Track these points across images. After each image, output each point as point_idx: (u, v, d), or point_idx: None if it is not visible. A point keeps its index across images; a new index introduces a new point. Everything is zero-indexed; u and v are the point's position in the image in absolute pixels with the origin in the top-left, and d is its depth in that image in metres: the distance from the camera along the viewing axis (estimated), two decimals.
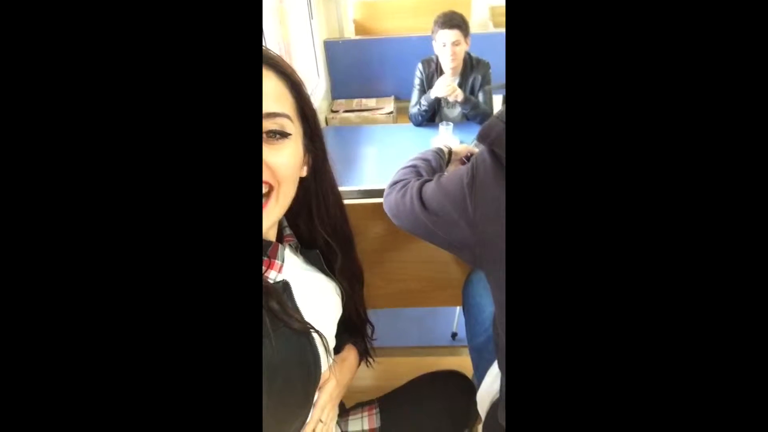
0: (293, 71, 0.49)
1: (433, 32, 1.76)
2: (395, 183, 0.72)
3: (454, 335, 1.34)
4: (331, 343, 0.62)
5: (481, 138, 0.51)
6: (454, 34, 1.70)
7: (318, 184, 0.57)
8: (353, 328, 0.71)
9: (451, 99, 1.81)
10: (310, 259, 0.61)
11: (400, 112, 2.38)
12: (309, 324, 0.54)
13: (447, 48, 1.73)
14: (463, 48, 1.76)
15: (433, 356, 1.28)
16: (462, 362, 0.96)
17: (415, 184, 0.64)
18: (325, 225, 0.60)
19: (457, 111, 1.91)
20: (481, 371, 0.76)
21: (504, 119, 0.49)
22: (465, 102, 1.80)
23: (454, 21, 1.70)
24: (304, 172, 0.53)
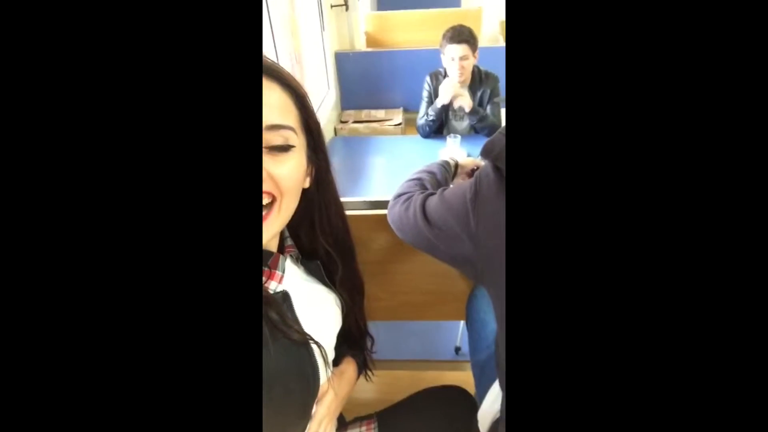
0: (297, 84, 0.49)
1: (441, 46, 1.77)
2: (399, 195, 0.72)
3: (457, 350, 1.33)
4: (330, 355, 0.62)
5: (485, 153, 0.51)
6: (462, 49, 1.71)
7: (320, 195, 0.57)
8: (353, 341, 0.70)
9: (456, 105, 1.81)
10: (311, 270, 0.61)
11: (409, 124, 2.39)
12: (308, 335, 0.54)
13: (455, 62, 1.74)
14: (471, 62, 1.76)
15: (435, 370, 1.26)
16: (465, 377, 0.95)
17: (418, 198, 0.64)
18: (326, 236, 0.60)
19: (465, 123, 1.91)
20: (483, 388, 0.75)
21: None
22: (472, 113, 1.80)
23: (463, 36, 1.71)
24: (307, 184, 0.53)
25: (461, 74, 1.76)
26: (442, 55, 1.79)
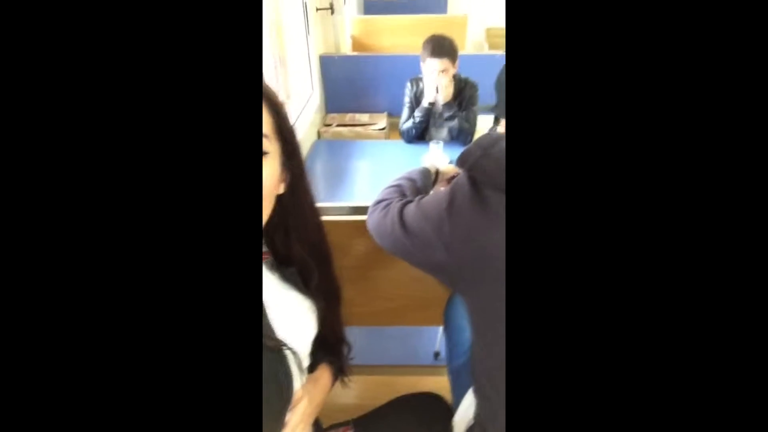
0: (272, 91, 0.49)
1: (422, 57, 1.76)
2: (378, 202, 0.72)
3: (436, 355, 1.33)
4: (305, 361, 0.62)
5: (460, 162, 0.51)
6: (442, 63, 1.71)
7: (295, 201, 0.57)
8: (329, 347, 0.70)
9: (437, 94, 1.81)
10: (286, 277, 0.61)
11: (393, 128, 2.39)
12: (282, 342, 0.53)
13: (434, 75, 1.74)
14: (451, 72, 1.77)
15: (414, 375, 1.27)
16: (444, 382, 0.95)
17: (396, 205, 0.65)
18: (301, 242, 0.60)
19: (445, 130, 1.92)
20: (459, 394, 0.76)
21: (483, 146, 0.50)
22: (449, 106, 1.80)
23: (443, 50, 1.70)
24: (281, 190, 0.53)
25: (445, 94, 1.77)
26: (422, 64, 1.79)
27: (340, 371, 0.73)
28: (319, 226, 0.62)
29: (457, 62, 1.77)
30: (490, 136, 0.50)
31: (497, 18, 3.93)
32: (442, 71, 1.73)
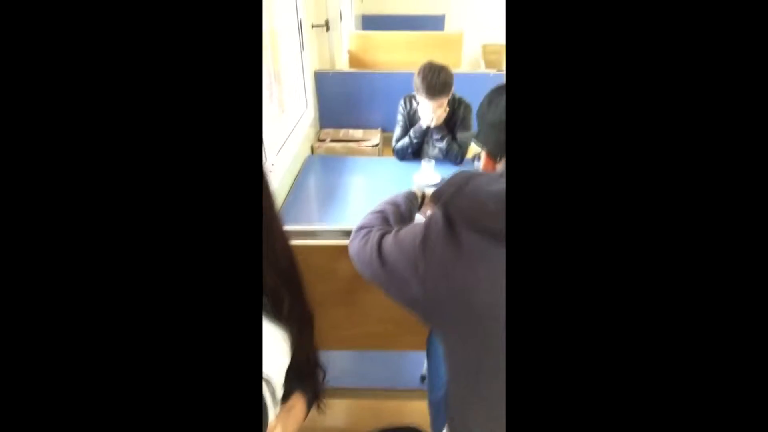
0: None
1: (415, 89, 1.72)
2: (360, 229, 0.71)
3: (423, 378, 1.32)
4: (279, 391, 0.60)
5: (435, 198, 0.51)
6: (437, 101, 1.68)
7: (265, 227, 0.56)
8: (303, 375, 0.69)
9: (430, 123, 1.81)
10: None
11: (386, 145, 2.40)
12: None
13: (429, 110, 1.72)
14: (446, 103, 1.74)
15: (400, 399, 1.25)
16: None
17: (376, 235, 0.64)
18: (272, 268, 0.59)
19: (436, 150, 1.91)
20: (437, 427, 0.74)
21: (457, 183, 0.49)
22: (439, 129, 1.79)
23: (438, 90, 1.65)
24: None
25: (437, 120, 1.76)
26: (416, 93, 1.75)
27: (314, 397, 0.72)
28: (290, 250, 0.61)
29: (452, 89, 1.75)
30: (465, 173, 0.50)
31: (494, 34, 3.97)
32: (438, 106, 1.71)
